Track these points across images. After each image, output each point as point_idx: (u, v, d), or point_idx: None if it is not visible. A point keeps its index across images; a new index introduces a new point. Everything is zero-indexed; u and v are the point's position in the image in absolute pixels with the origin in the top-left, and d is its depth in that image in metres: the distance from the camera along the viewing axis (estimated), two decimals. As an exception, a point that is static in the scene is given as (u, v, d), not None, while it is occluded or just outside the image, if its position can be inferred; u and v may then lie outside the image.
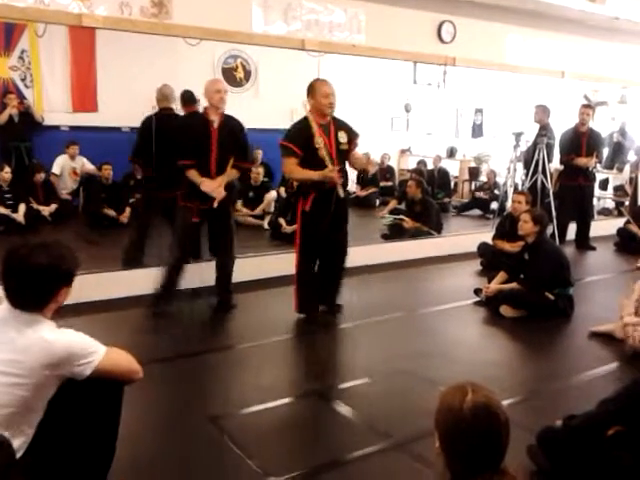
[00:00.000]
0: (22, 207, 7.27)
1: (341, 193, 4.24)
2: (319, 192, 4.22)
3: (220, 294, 4.73)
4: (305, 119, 4.25)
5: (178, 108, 5.57)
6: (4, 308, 2.03)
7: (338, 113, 4.41)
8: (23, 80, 8.18)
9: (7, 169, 7.32)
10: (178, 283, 4.54)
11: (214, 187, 4.33)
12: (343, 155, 4.35)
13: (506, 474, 1.41)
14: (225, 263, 4.68)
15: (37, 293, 2.01)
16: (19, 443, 1.96)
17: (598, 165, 7.86)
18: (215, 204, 4.34)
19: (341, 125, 4.38)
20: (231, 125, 4.50)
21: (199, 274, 4.89)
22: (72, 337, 2.04)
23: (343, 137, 4.34)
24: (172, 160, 4.39)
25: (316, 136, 4.17)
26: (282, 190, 8.35)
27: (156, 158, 4.98)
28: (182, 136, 4.43)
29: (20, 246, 2.04)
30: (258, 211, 8.06)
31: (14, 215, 7.17)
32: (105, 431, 2.17)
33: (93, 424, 2.11)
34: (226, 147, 4.38)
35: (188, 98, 5.79)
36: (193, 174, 4.32)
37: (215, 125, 4.37)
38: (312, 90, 4.23)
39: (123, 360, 2.17)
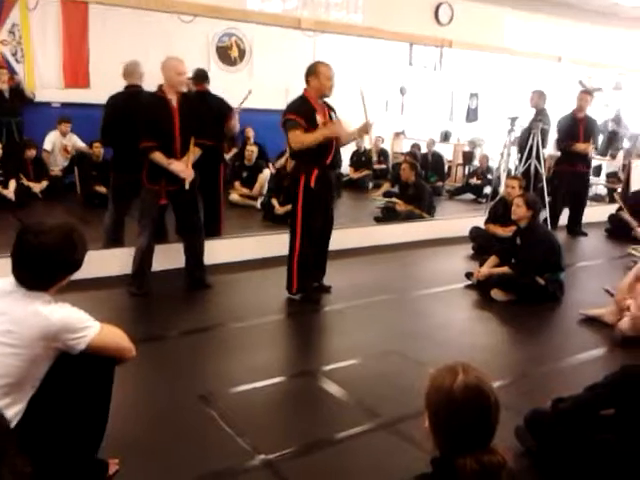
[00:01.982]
0: (12, 183, 7.22)
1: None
2: (321, 168, 4.27)
3: (193, 273, 4.71)
4: (303, 97, 4.29)
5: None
6: (8, 282, 2.04)
7: (334, 94, 4.40)
8: (14, 55, 8.06)
9: (-3, 145, 7.26)
10: (150, 265, 4.53)
11: (183, 168, 4.31)
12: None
13: (495, 452, 1.42)
14: (195, 243, 4.67)
15: (44, 277, 2.04)
16: (12, 414, 1.96)
17: (593, 151, 7.85)
18: (187, 185, 4.34)
19: (330, 107, 4.44)
20: (189, 103, 4.49)
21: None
22: (68, 311, 2.05)
23: (334, 117, 4.40)
24: (134, 141, 4.29)
25: (317, 114, 4.25)
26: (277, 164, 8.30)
27: (123, 138, 4.75)
28: (144, 117, 4.32)
29: (34, 226, 2.04)
30: (254, 192, 8.00)
31: (4, 192, 7.12)
32: (96, 407, 2.18)
33: (85, 400, 2.12)
34: (187, 126, 4.36)
35: (200, 76, 5.63)
36: (159, 156, 4.26)
37: (174, 104, 4.33)
38: (315, 72, 4.26)
39: (117, 337, 2.18)
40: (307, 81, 4.30)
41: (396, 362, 3.55)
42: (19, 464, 1.25)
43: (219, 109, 5.52)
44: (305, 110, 4.23)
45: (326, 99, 4.38)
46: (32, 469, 1.25)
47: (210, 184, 5.45)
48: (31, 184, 7.53)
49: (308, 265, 4.46)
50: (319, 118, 4.25)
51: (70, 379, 2.09)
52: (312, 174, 4.26)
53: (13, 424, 1.95)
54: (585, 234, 7.40)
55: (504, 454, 1.43)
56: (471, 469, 1.38)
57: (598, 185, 10.24)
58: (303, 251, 4.39)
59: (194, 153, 4.41)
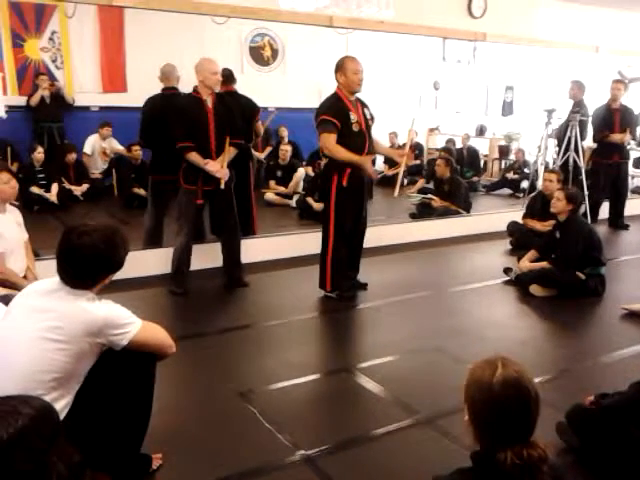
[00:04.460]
0: (55, 187, 7.41)
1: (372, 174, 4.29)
2: (354, 168, 4.24)
3: (231, 272, 4.76)
4: (336, 95, 4.26)
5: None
6: (53, 281, 2.11)
7: (367, 90, 4.39)
8: (54, 61, 8.27)
9: (40, 149, 7.46)
10: (189, 264, 4.59)
11: (218, 168, 4.36)
12: (369, 130, 4.36)
13: (536, 446, 1.41)
14: (232, 242, 4.72)
15: (87, 276, 2.10)
16: (59, 408, 2.01)
17: (632, 142, 7.67)
18: (222, 185, 4.39)
19: (363, 103, 4.40)
20: (224, 103, 4.53)
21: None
22: (111, 308, 2.12)
23: (368, 114, 4.37)
24: (171, 143, 4.36)
25: (350, 112, 4.21)
26: (309, 169, 8.36)
27: (161, 140, 4.83)
28: (180, 118, 4.38)
29: (78, 227, 2.10)
30: (289, 191, 8.04)
31: (47, 195, 7.31)
32: (139, 403, 2.23)
33: (127, 396, 2.17)
34: (222, 126, 4.41)
35: (227, 76, 5.64)
36: (195, 156, 4.31)
37: (209, 105, 4.38)
38: (343, 67, 4.21)
39: (159, 333, 2.24)
40: (336, 78, 4.25)
41: (434, 358, 3.54)
42: (69, 453, 1.30)
43: (248, 108, 5.55)
44: (338, 109, 4.19)
45: (359, 95, 4.34)
46: (81, 458, 1.30)
47: (240, 183, 5.49)
48: (72, 187, 7.73)
49: (342, 263, 4.46)
50: (353, 117, 4.21)
51: (113, 375, 2.15)
52: (345, 173, 4.23)
53: (61, 417, 2.01)
54: (627, 227, 7.23)
55: (545, 448, 1.42)
56: (511, 463, 1.37)
57: (640, 177, 9.99)
58: (336, 249, 4.39)
59: (229, 153, 4.46)
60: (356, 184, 4.30)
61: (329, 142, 4.18)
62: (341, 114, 4.18)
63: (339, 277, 4.47)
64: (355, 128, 4.21)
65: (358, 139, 4.23)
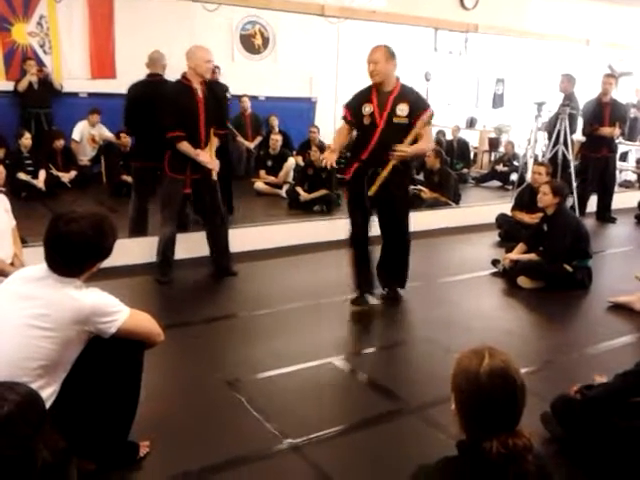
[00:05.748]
0: (42, 173, 7.34)
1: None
2: (359, 163, 4.05)
3: (219, 261, 4.74)
4: (368, 86, 4.06)
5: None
6: (41, 268, 2.10)
7: (359, 81, 4.32)
8: (42, 46, 8.17)
9: (27, 135, 7.37)
10: (173, 253, 4.58)
11: (209, 159, 4.34)
12: (399, 128, 3.93)
13: (521, 436, 1.42)
14: (219, 230, 4.68)
15: (74, 263, 2.08)
16: (46, 396, 2.01)
17: (621, 136, 7.71)
18: (214, 176, 4.37)
19: (405, 96, 3.95)
20: (214, 92, 4.50)
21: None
22: (98, 295, 2.11)
23: (403, 109, 3.91)
24: (160, 131, 4.30)
25: (367, 104, 3.95)
26: (299, 159, 8.33)
27: (145, 127, 4.77)
28: (170, 107, 4.30)
29: (66, 214, 2.08)
30: (279, 180, 8.02)
31: (34, 181, 7.23)
32: (127, 391, 2.23)
33: (115, 384, 2.17)
34: (211, 116, 4.37)
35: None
36: (186, 146, 4.27)
37: (200, 94, 4.33)
38: None
39: (147, 322, 2.23)
40: None
41: (423, 348, 3.56)
42: (54, 440, 1.31)
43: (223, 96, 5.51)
44: (356, 100, 4.04)
45: (406, 84, 4.05)
46: (66, 445, 1.31)
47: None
48: (60, 174, 7.65)
49: (357, 251, 4.27)
50: (367, 109, 3.92)
51: (101, 363, 2.14)
52: (351, 167, 4.11)
53: (48, 405, 2.00)
54: (614, 220, 7.28)
55: (530, 437, 1.43)
56: (497, 452, 1.39)
57: (627, 171, 10.06)
58: (351, 238, 4.25)
59: (215, 144, 4.44)
60: (356, 179, 4.08)
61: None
62: (355, 105, 4.02)
63: (358, 275, 4.26)
64: (365, 121, 3.94)
65: (367, 133, 3.96)
